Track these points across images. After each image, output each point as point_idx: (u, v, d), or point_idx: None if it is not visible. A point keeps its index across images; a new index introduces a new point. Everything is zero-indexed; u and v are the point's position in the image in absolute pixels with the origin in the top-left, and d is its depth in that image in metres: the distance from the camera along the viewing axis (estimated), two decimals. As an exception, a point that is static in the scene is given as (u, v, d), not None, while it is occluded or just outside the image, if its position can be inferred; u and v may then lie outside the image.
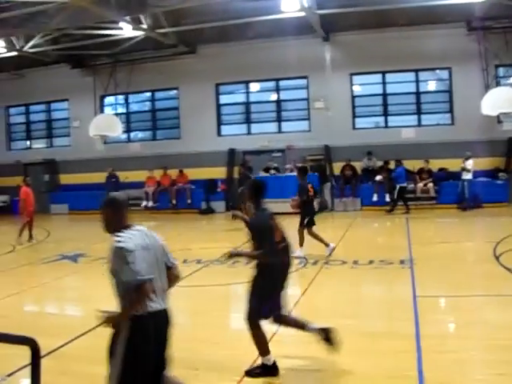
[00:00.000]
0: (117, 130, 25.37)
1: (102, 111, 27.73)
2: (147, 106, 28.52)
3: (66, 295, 11.57)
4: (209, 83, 25.48)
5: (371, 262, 12.00)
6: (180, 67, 25.54)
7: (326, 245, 13.13)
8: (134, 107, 28.81)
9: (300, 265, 12.02)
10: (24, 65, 27.87)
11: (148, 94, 28.14)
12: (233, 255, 6.35)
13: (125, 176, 25.54)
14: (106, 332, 7.78)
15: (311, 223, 13.30)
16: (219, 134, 25.94)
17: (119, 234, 4.39)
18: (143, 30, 21.75)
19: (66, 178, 28.58)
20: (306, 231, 13.30)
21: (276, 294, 6.18)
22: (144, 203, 25.37)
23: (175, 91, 26.96)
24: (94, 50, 25.33)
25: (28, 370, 5.98)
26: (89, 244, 16.76)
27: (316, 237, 13.28)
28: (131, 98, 28.40)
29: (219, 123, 26.00)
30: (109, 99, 28.51)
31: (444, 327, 7.84)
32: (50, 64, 27.51)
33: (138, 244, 4.33)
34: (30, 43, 23.77)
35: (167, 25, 21.88)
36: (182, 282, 10.65)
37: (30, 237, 18.12)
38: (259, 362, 6.10)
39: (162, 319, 4.49)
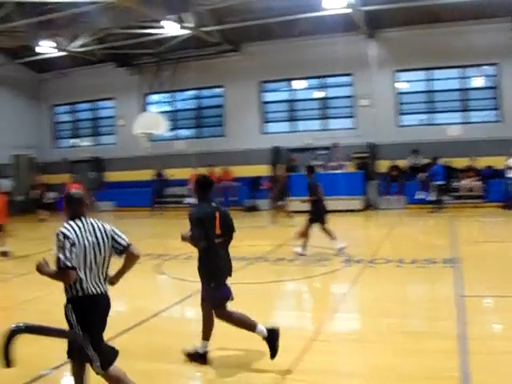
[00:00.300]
0: (162, 128, 25.56)
1: (147, 109, 27.96)
2: (192, 104, 28.66)
3: (109, 291, 11.69)
4: (253, 81, 25.52)
5: (415, 261, 11.85)
6: (224, 65, 25.63)
7: (304, 247, 13.01)
8: (179, 105, 28.99)
9: (344, 263, 11.96)
10: (70, 64, 28.37)
11: (193, 92, 28.30)
12: (182, 238, 6.75)
13: (170, 173, 25.76)
14: (150, 329, 7.92)
15: (321, 221, 13.31)
16: (263, 131, 25.95)
17: (68, 222, 5.03)
18: (187, 28, 21.85)
19: (111, 176, 28.93)
20: (307, 228, 13.33)
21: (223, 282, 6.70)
22: (187, 200, 25.52)
23: (220, 89, 27.05)
24: (139, 49, 25.54)
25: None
26: (134, 240, 16.82)
27: (306, 236, 13.14)
28: (176, 96, 28.59)
29: (263, 121, 26.00)
30: (154, 97, 28.77)
31: (492, 328, 7.71)
32: (96, 63, 27.92)
33: (78, 233, 4.93)
34: (77, 43, 24.13)
35: (211, 23, 21.97)
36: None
37: None
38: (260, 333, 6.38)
39: (101, 302, 5.10)
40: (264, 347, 6.56)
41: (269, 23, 22.05)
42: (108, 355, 5.11)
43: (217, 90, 27.43)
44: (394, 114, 24.15)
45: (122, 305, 10.36)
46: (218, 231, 6.54)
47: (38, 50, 24.59)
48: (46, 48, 24.08)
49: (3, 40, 23.30)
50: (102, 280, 5.11)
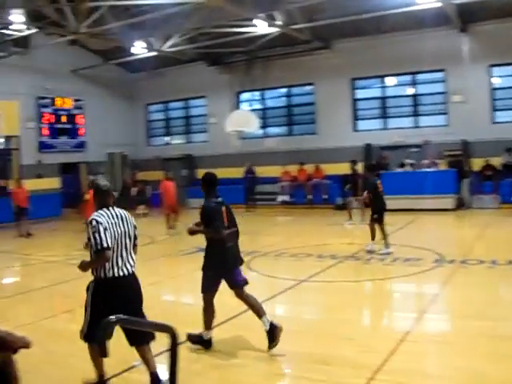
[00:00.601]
0: (253, 126, 25.75)
1: (238, 107, 28.26)
2: (283, 101, 28.78)
3: (200, 287, 11.92)
4: (344, 78, 25.36)
5: (510, 262, 11.58)
6: (315, 62, 25.57)
7: (373, 239, 13.42)
8: (269, 103, 29.16)
9: (436, 263, 11.80)
10: (163, 64, 28.93)
11: (283, 90, 28.40)
12: (191, 231, 7.23)
13: (260, 171, 25.98)
14: (238, 325, 8.06)
15: (380, 219, 13.42)
16: (355, 129, 25.79)
17: (98, 211, 5.64)
18: (278, 26, 21.95)
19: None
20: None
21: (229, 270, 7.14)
22: (280, 198, 25.71)
23: (311, 87, 27.03)
24: (230, 48, 25.80)
25: (163, 357, 6.34)
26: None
27: (374, 231, 13.48)
28: (267, 94, 28.77)
29: (355, 118, 25.85)
30: (245, 95, 29.04)
31: None
32: (188, 62, 28.41)
33: (108, 219, 5.54)
34: (168, 43, 24.61)
35: (301, 21, 21.96)
36: (317, 277, 10.89)
37: (170, 228, 19.16)
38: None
39: (125, 282, 5.63)
40: (351, 347, 6.62)
41: (360, 19, 21.80)
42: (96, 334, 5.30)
43: (308, 88, 27.40)
44: (488, 111, 23.45)
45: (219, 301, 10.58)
46: (226, 223, 7.11)
47: (131, 50, 25.23)
48: (139, 49, 24.69)
49: (98, 42, 24.07)
50: (133, 261, 5.76)
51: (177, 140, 31.88)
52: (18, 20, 19.25)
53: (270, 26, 21.75)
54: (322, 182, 24.94)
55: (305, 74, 26.00)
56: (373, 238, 13.53)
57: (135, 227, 5.86)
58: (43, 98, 26.84)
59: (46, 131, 26.98)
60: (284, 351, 6.94)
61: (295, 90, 28.14)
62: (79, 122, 28.57)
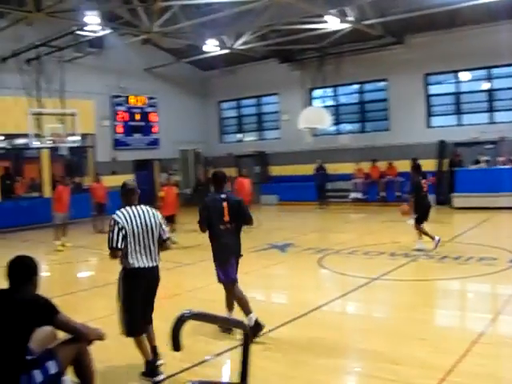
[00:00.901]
0: (325, 123, 25.64)
1: (310, 104, 28.17)
2: (355, 98, 28.54)
3: (272, 283, 11.99)
4: (417, 73, 24.91)
5: None
6: (388, 58, 25.24)
7: (432, 238, 13.27)
8: (342, 99, 28.97)
9: (511, 263, 11.51)
10: (234, 61, 29.08)
11: (356, 86, 28.16)
12: None
13: (333, 168, 25.85)
14: (310, 322, 8.08)
15: (423, 218, 13.56)
16: (429, 125, 25.33)
17: (120, 209, 6.24)
18: (349, 22, 21.76)
19: (275, 170, 29.43)
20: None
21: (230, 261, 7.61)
22: (352, 195, 25.54)
23: (383, 83, 26.72)
24: (301, 45, 25.72)
25: (234, 352, 6.40)
26: (297, 234, 17.16)
27: (422, 230, 13.51)
28: (339, 90, 28.58)
29: (429, 114, 25.38)
30: (317, 92, 28.91)
31: None
32: (259, 60, 28.47)
33: (128, 218, 6.13)
34: (240, 41, 24.71)
35: (373, 16, 21.71)
36: (389, 275, 10.79)
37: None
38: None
39: (147, 273, 6.18)
40: (422, 347, 6.53)
41: (433, 13, 21.37)
42: (131, 327, 6.16)
43: (381, 84, 27.06)
44: None
45: (284, 297, 10.63)
46: (226, 218, 7.49)
47: (203, 49, 25.46)
48: (211, 47, 24.86)
49: (170, 41, 24.39)
50: (151, 255, 6.22)
51: (249, 137, 31.99)
52: (92, 21, 19.68)
53: (341, 22, 21.57)
54: (395, 180, 24.62)
55: (377, 70, 25.69)
56: (421, 237, 13.58)
57: (161, 224, 6.35)
58: (117, 96, 27.43)
59: (120, 129, 27.55)
60: (354, 349, 6.92)
61: (368, 87, 27.84)
62: (153, 120, 29.04)
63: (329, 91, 28.38)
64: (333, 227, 19.62)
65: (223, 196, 7.62)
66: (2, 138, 24.41)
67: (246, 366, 3.97)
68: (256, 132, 31.71)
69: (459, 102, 24.67)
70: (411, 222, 13.66)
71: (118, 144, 27.40)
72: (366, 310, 9.21)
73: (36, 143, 21.67)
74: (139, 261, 6.13)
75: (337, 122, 28.00)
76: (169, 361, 6.37)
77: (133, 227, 6.11)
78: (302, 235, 16.88)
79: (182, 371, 6.19)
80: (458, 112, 24.72)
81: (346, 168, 25.76)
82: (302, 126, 25.35)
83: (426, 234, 13.47)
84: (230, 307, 7.58)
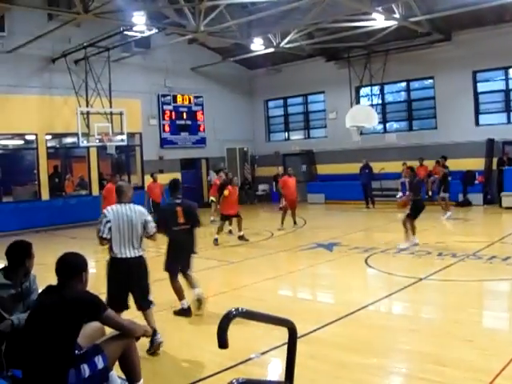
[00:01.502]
0: (373, 121, 25.49)
1: (357, 102, 28.00)
2: (402, 96, 28.27)
3: (318, 282, 11.98)
4: (465, 71, 24.50)
5: None
6: (435, 55, 24.92)
7: (413, 235, 14.23)
8: (389, 98, 28.72)
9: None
10: (280, 60, 29.12)
11: (403, 84, 27.87)
12: None
13: (381, 167, 25.64)
14: (356, 321, 8.06)
15: (415, 216, 14.37)
16: (477, 123, 24.93)
17: (112, 206, 7.33)
18: (396, 19, 21.55)
19: (322, 169, 29.33)
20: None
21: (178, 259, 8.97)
22: (399, 194, 25.23)
23: (431, 80, 26.39)
24: (348, 43, 25.56)
25: (279, 351, 6.41)
26: (344, 233, 17.09)
27: (409, 226, 14.26)
28: (386, 88, 28.31)
29: (477, 112, 24.97)
30: (364, 90, 28.69)
31: None
32: (306, 58, 28.40)
33: (115, 213, 7.12)
34: (286, 39, 24.67)
35: (420, 13, 21.45)
36: (437, 275, 10.69)
37: (294, 223, 19.43)
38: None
39: (130, 263, 7.10)
40: (470, 348, 6.45)
41: (481, 9, 20.98)
42: (109, 303, 6.08)
43: (428, 82, 26.72)
44: None
45: (330, 296, 10.60)
46: (181, 220, 8.86)
47: (249, 47, 25.51)
48: (257, 45, 24.88)
49: (216, 40, 24.48)
50: (133, 247, 7.15)
51: (296, 135, 31.93)
52: (139, 22, 19.91)
53: (388, 19, 21.41)
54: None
55: (424, 68, 25.39)
56: (413, 233, 14.30)
57: (146, 220, 7.28)
58: (164, 95, 27.64)
59: (167, 128, 27.76)
60: (400, 350, 6.86)
61: (415, 84, 27.54)
62: (199, 119, 29.21)
63: (376, 89, 28.11)
64: (379, 226, 19.48)
65: (178, 201, 9.01)
66: (51, 137, 24.76)
67: (291, 365, 3.97)
68: (303, 130, 31.60)
69: (508, 100, 24.20)
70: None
71: (165, 143, 27.62)
72: (412, 310, 9.12)
73: (84, 142, 21.99)
74: (122, 251, 7.09)
75: (384, 121, 27.80)
76: (213, 359, 6.41)
77: (118, 222, 7.08)
78: (349, 234, 16.81)
79: (226, 369, 6.22)
80: (508, 110, 24.25)
81: (394, 167, 25.51)
82: (348, 124, 25.26)
83: (412, 230, 14.23)
84: (180, 296, 9.00)
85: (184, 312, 8.85)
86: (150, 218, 7.41)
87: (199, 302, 8.93)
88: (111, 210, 7.16)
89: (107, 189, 17.04)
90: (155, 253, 14.99)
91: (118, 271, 7.12)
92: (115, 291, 7.09)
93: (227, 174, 20.71)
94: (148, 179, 21.90)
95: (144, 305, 7.27)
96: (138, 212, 7.28)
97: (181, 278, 9.00)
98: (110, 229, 7.04)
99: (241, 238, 16.93)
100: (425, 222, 19.45)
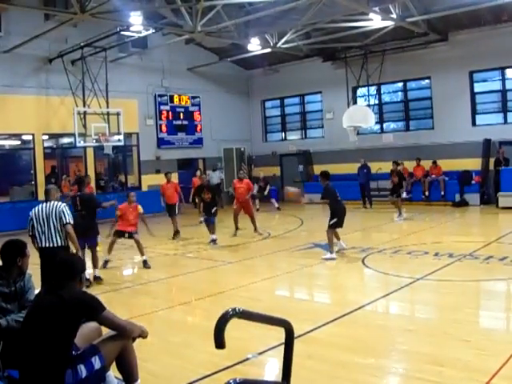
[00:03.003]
0: (369, 121, 25.49)
1: (354, 102, 27.99)
2: (399, 96, 28.28)
3: (315, 282, 11.97)
4: (462, 71, 24.49)
5: None
6: (432, 56, 24.93)
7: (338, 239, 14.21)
8: (386, 98, 28.72)
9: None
10: (277, 60, 29.18)
11: (400, 84, 27.88)
12: None
13: (377, 167, 25.65)
14: (353, 321, 8.06)
15: (340, 224, 13.81)
16: (474, 123, 24.93)
17: (38, 205, 8.97)
18: (393, 20, 21.55)
19: (319, 169, 29.20)
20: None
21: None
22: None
23: (427, 81, 26.39)
24: (345, 43, 25.62)
25: (276, 351, 6.41)
26: (340, 233, 17.05)
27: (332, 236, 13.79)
28: (383, 88, 28.31)
29: (474, 112, 24.98)
30: (361, 90, 28.68)
31: None
32: (303, 58, 28.42)
33: (34, 212, 8.80)
34: (283, 39, 24.68)
35: (417, 13, 21.47)
36: (434, 275, 10.69)
37: (254, 230, 18.47)
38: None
39: (48, 253, 8.49)
40: (467, 348, 6.45)
41: (478, 9, 21.01)
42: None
43: (425, 82, 26.72)
44: None
45: (327, 296, 10.62)
46: (78, 208, 11.74)
47: (246, 48, 25.52)
48: (254, 46, 24.88)
49: (213, 40, 24.46)
50: (50, 238, 8.65)
51: (293, 136, 31.92)
52: (136, 22, 19.90)
53: (384, 19, 21.42)
54: (440, 179, 24.30)
55: (421, 68, 25.39)
56: (338, 238, 14.06)
57: (60, 215, 8.73)
58: (161, 95, 27.62)
59: (164, 128, 27.73)
60: (397, 350, 6.87)
61: (412, 85, 27.56)
62: (196, 119, 29.18)
63: (372, 89, 28.13)
64: (376, 226, 19.49)
65: (78, 193, 12.30)
66: (48, 137, 24.73)
67: (288, 365, 3.97)
68: (300, 131, 31.59)
69: (505, 100, 24.20)
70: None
71: (161, 143, 27.59)
72: (409, 310, 9.14)
73: (81, 142, 21.98)
74: (40, 242, 8.64)
75: (381, 121, 27.81)
76: (210, 359, 6.41)
77: (38, 217, 8.67)
78: (346, 234, 16.77)
79: (223, 369, 6.21)
80: (504, 110, 24.25)
81: (390, 167, 25.49)
82: (345, 124, 25.24)
83: (331, 244, 13.56)
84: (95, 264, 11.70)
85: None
86: (67, 211, 8.97)
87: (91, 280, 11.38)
88: (34, 209, 8.96)
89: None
90: (154, 253, 15.02)
91: (41, 260, 8.71)
92: (43, 276, 8.44)
93: (201, 176, 19.82)
94: (145, 179, 21.81)
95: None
96: (55, 206, 8.86)
97: None
98: (32, 226, 8.83)
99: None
100: (423, 223, 19.55)
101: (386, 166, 25.29)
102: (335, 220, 13.61)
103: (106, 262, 13.37)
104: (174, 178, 26.80)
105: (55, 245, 8.63)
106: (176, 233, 18.29)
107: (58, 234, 8.69)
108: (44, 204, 8.81)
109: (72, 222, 8.94)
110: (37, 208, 8.79)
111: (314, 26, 23.06)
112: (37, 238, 8.71)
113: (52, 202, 8.83)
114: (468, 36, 23.74)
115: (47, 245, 8.63)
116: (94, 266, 11.80)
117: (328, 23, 22.64)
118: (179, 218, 18.83)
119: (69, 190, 24.96)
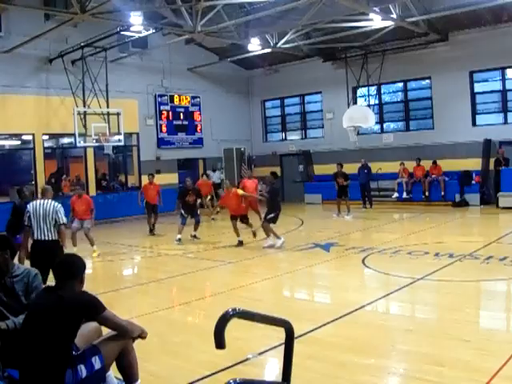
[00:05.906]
0: (370, 122, 25.48)
1: (354, 102, 27.99)
2: (399, 96, 28.27)
3: (316, 282, 11.96)
4: (462, 71, 24.48)
5: None
6: (432, 56, 24.92)
7: (278, 237, 15.22)
8: (386, 98, 28.71)
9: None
10: (278, 60, 29.20)
11: (400, 85, 27.87)
12: None
13: (378, 167, 25.63)
14: (353, 321, 8.06)
15: (275, 220, 15.40)
16: (474, 123, 24.93)
17: (34, 201, 9.55)
18: (393, 20, 21.55)
19: (319, 169, 29.31)
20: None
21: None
22: (396, 194, 25.28)
23: (428, 81, 26.38)
24: (345, 43, 25.62)
25: (276, 351, 6.41)
26: (341, 233, 17.10)
27: (269, 230, 15.32)
28: (383, 88, 28.30)
29: (474, 112, 24.96)
30: (361, 90, 28.68)
31: None
32: (303, 58, 28.47)
33: (32, 207, 9.24)
34: (283, 39, 24.69)
35: (417, 13, 21.47)
36: (434, 275, 10.67)
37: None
38: None
39: (40, 244, 9.14)
40: (466, 349, 6.45)
41: (478, 10, 21.02)
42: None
43: (425, 82, 26.70)
44: None
45: (328, 297, 10.61)
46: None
47: (246, 48, 25.54)
48: (255, 46, 24.90)
49: (213, 40, 24.46)
50: (45, 232, 9.14)
51: (293, 136, 31.92)
52: (136, 22, 19.90)
53: (385, 19, 21.42)
54: (440, 179, 24.29)
55: (421, 68, 25.39)
56: (268, 235, 15.37)
57: (54, 212, 9.16)
58: (161, 95, 27.61)
59: (164, 128, 27.72)
60: (398, 350, 6.86)
61: (412, 85, 27.54)
62: (196, 119, 29.16)
63: (373, 89, 28.12)
64: (377, 226, 19.49)
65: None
66: (48, 137, 24.73)
67: (288, 366, 3.97)
68: (300, 131, 31.59)
69: (505, 100, 24.18)
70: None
71: (162, 143, 27.58)
72: (409, 310, 9.13)
73: (81, 142, 21.97)
74: (36, 235, 9.16)
75: (381, 121, 27.80)
76: (210, 359, 6.41)
77: (35, 212, 9.17)
78: (346, 234, 16.81)
79: (223, 369, 6.20)
80: (504, 110, 24.23)
81: (391, 167, 25.53)
82: (345, 124, 25.24)
83: (274, 233, 15.21)
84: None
85: None
86: (61, 211, 9.32)
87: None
88: (31, 204, 9.42)
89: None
90: (154, 253, 15.05)
91: (34, 251, 9.23)
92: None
93: (187, 180, 19.56)
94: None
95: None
96: (51, 204, 9.28)
97: None
98: (29, 218, 9.29)
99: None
100: (422, 223, 19.55)
101: (386, 166, 25.39)
102: (272, 215, 15.19)
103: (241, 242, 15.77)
104: (174, 178, 27.13)
105: (48, 238, 9.18)
106: (151, 230, 19.53)
107: (51, 229, 9.23)
108: (42, 201, 9.37)
109: (66, 222, 9.53)
110: (35, 203, 9.33)
111: (314, 26, 23.08)
112: (35, 233, 9.22)
113: (48, 200, 9.38)
114: (468, 36, 23.73)
115: (41, 238, 9.17)
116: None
117: (328, 23, 22.64)
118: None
119: (69, 190, 25.07)
